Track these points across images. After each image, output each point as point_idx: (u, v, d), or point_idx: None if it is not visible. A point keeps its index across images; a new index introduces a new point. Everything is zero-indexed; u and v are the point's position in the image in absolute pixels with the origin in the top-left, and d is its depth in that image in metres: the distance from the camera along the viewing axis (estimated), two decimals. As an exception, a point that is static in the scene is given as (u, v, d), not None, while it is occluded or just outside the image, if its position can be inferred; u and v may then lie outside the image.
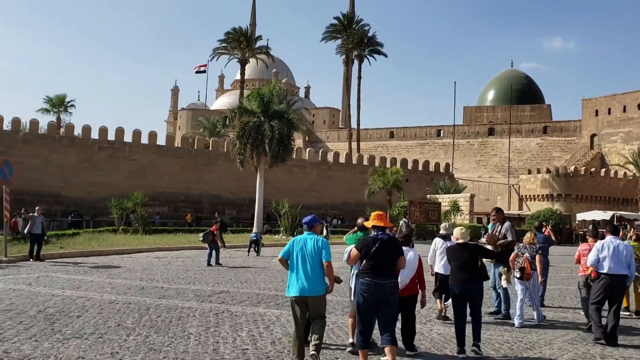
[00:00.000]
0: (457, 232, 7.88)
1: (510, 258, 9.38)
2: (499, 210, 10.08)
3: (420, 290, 7.52)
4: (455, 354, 7.06)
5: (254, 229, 23.06)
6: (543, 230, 11.53)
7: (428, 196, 43.35)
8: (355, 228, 7.89)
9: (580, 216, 41.42)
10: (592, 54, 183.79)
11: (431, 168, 56.29)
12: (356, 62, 62.78)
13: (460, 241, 7.67)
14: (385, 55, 62.33)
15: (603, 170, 56.82)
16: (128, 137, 42.60)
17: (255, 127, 34.36)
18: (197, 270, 15.77)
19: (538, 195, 56.76)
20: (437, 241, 9.57)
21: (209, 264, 17.00)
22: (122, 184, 39.12)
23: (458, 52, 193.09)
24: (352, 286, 6.79)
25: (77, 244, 22.26)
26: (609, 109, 65.62)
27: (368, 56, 61.92)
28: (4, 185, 18.20)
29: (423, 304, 7.62)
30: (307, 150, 51.92)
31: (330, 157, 52.37)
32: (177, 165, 43.07)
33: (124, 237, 27.69)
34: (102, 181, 39.48)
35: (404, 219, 29.47)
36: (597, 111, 66.99)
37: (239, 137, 34.89)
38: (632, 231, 14.31)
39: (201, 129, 66.81)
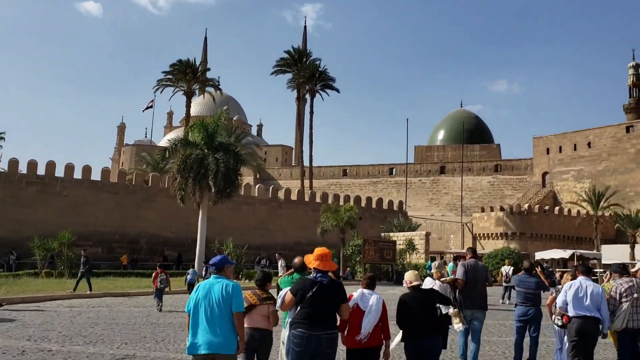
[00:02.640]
0: (409, 274, 6.57)
1: (548, 302, 8.47)
2: (473, 251, 9.38)
3: (384, 341, 6.12)
4: None
5: (190, 270, 20.35)
6: (534, 273, 9.42)
7: (382, 234, 41.53)
8: (292, 269, 6.92)
9: (538, 255, 40.18)
10: (537, 95, 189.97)
11: (384, 206, 54.77)
12: (308, 98, 61.35)
13: (415, 284, 6.47)
14: (338, 91, 61.22)
15: (557, 208, 56.51)
16: (60, 172, 39.16)
17: (198, 160, 31.81)
18: (109, 324, 12.89)
19: (492, 234, 55.79)
20: (428, 281, 9.02)
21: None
22: (52, 221, 35.52)
23: (409, 91, 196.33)
24: (284, 338, 5.84)
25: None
26: (560, 147, 66.10)
27: (320, 91, 60.59)
28: None
29: (387, 357, 6.12)
30: (257, 186, 49.40)
31: (281, 194, 50.01)
32: (113, 201, 39.70)
33: (44, 281, 24.46)
34: (29, 219, 35.79)
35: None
36: (548, 149, 67.42)
37: (180, 170, 32.19)
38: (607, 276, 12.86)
39: (144, 165, 63.43)
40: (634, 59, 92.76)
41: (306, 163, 62.54)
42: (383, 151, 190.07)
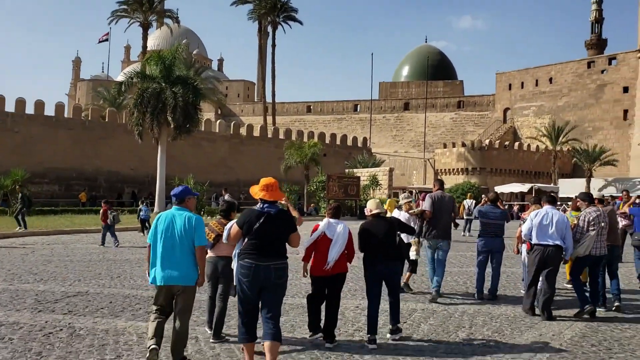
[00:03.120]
0: (371, 203, 6.62)
1: (517, 234, 8.90)
2: (441, 183, 9.19)
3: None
4: (366, 343, 6.06)
5: (142, 207, 19.82)
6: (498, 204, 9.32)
7: (346, 171, 41.46)
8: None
9: (498, 189, 40.91)
10: (500, 31, 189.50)
11: (349, 142, 54.62)
12: (270, 32, 59.43)
13: (375, 212, 6.49)
14: (301, 23, 59.51)
15: (517, 143, 57.31)
16: (10, 107, 37.36)
17: (156, 94, 30.65)
18: (62, 262, 12.45)
19: (453, 169, 56.49)
20: (397, 212, 9.23)
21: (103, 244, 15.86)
22: (4, 159, 34.14)
23: (374, 26, 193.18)
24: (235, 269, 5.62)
25: None
26: (522, 83, 66.44)
27: (282, 23, 58.78)
28: None
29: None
30: (218, 122, 48.36)
31: (243, 130, 49.17)
32: (69, 138, 38.30)
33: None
34: (-22, 157, 34.30)
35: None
36: (510, 85, 67.72)
37: (137, 105, 31.03)
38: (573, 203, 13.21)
39: (101, 101, 61.14)
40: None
41: (269, 99, 61.35)
42: (347, 87, 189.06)
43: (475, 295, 8.79)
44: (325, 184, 34.44)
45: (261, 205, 5.24)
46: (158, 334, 5.12)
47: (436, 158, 59.28)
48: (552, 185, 45.57)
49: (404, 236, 8.60)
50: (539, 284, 7.70)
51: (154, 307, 5.27)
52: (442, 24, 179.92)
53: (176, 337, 5.16)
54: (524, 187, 37.21)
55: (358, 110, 78.71)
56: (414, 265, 9.32)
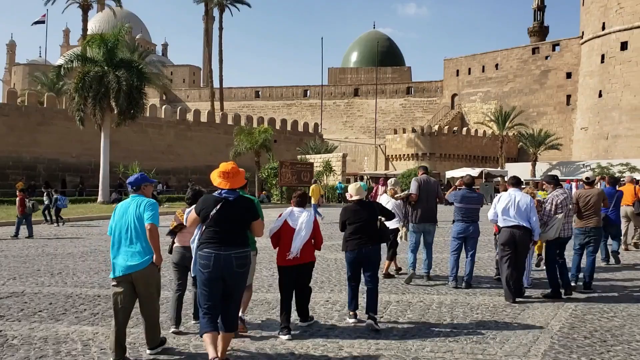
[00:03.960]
0: (352, 188, 6.58)
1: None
2: (425, 168, 9.57)
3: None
4: (347, 319, 6.32)
5: (58, 196, 18.71)
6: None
7: (299, 157, 40.80)
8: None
9: (449, 174, 41.26)
10: (445, 18, 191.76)
11: (300, 128, 53.87)
12: (217, 15, 57.84)
13: (355, 198, 6.48)
14: (249, 5, 58.12)
15: (465, 129, 58.07)
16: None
17: (98, 77, 29.07)
18: (-4, 258, 11.32)
19: (404, 155, 56.76)
20: (384, 197, 9.37)
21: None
22: None
23: (323, 11, 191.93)
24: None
25: None
26: (469, 69, 67.29)
27: (229, 5, 57.17)
28: None
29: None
30: (163, 108, 46.62)
31: (190, 116, 47.63)
32: (3, 124, 35.99)
33: None
34: None
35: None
36: (457, 71, 68.48)
37: (78, 89, 29.33)
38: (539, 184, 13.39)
39: (39, 86, 58.02)
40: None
41: (216, 84, 59.86)
42: (297, 73, 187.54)
43: (449, 282, 8.41)
44: (277, 171, 33.69)
45: (219, 191, 4.98)
46: (120, 346, 4.91)
47: (387, 144, 59.39)
48: (499, 169, 46.32)
49: (393, 222, 8.44)
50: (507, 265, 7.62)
51: (113, 321, 4.99)
52: (389, 11, 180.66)
53: (147, 324, 5.12)
54: (474, 172, 37.52)
55: (308, 95, 78.04)
56: (393, 251, 9.25)
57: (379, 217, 6.51)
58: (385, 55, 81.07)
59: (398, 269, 9.51)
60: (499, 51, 65.27)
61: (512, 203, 7.54)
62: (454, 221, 8.69)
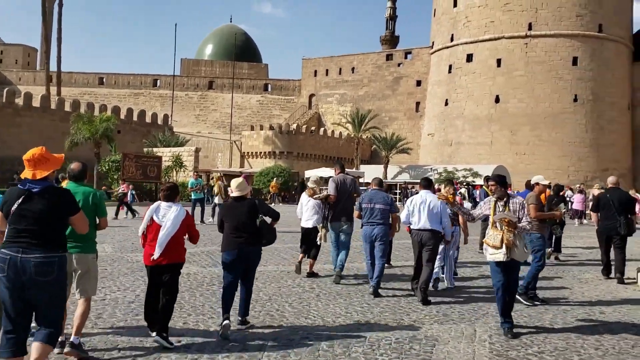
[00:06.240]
0: (234, 183, 6.30)
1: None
2: (342, 167, 9.63)
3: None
4: (219, 326, 5.72)
5: None
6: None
7: (145, 150, 37.37)
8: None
9: (308, 173, 40.36)
10: (302, 20, 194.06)
11: (147, 119, 49.97)
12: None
13: (236, 194, 6.19)
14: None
15: (322, 129, 58.05)
16: None
17: None
18: None
19: (260, 152, 55.27)
20: (304, 197, 9.49)
21: None
22: None
23: (177, 2, 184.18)
24: None
25: None
26: (327, 70, 67.69)
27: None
28: None
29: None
30: (-14, 88, 40.34)
31: (19, 100, 41.81)
32: None
33: None
34: None
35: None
36: (315, 72, 68.59)
37: None
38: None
39: None
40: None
41: (54, 67, 53.53)
42: (147, 60, 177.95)
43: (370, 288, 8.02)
44: (120, 164, 30.18)
45: (24, 182, 4.29)
46: None
47: (243, 140, 57.48)
48: (354, 170, 46.54)
49: (312, 221, 8.99)
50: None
51: None
52: (245, 7, 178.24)
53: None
54: (333, 172, 37.17)
55: (158, 85, 73.57)
56: (316, 251, 9.26)
57: (262, 216, 6.10)
58: (242, 50, 79.09)
59: (312, 273, 9.28)
60: (356, 55, 66.38)
61: (423, 206, 7.58)
62: (362, 224, 8.38)
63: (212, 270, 9.48)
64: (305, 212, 9.33)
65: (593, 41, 50.15)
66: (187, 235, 5.68)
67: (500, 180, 6.44)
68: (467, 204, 13.91)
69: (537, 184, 8.44)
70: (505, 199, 6.27)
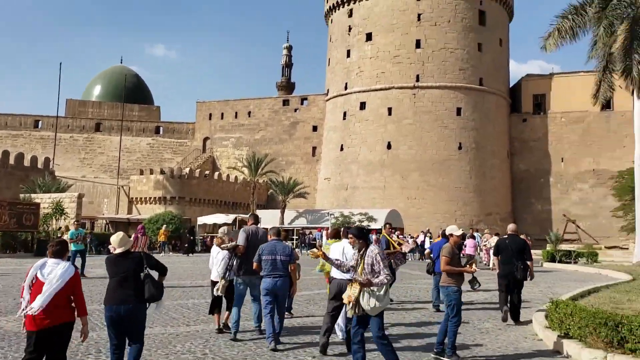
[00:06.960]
0: (114, 239, 5.82)
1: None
2: (255, 217, 9.39)
3: (81, 317, 5.29)
4: None
5: None
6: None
7: (22, 196, 34.30)
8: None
9: (200, 220, 38.87)
10: (196, 63, 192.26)
11: (26, 163, 46.36)
12: None
13: (119, 250, 5.77)
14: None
15: (217, 173, 56.78)
16: None
17: None
18: None
19: (150, 198, 52.74)
20: (214, 249, 9.15)
21: None
22: None
23: (64, 38, 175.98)
24: None
25: None
26: (222, 114, 66.92)
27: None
28: None
29: (85, 335, 5.35)
30: None
31: None
32: None
33: None
34: None
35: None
36: (210, 115, 67.59)
37: None
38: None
39: None
40: (288, 40, 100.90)
41: None
42: (27, 100, 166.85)
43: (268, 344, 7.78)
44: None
45: None
46: None
47: (131, 185, 54.64)
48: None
49: (218, 271, 8.64)
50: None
51: None
52: (135, 49, 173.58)
53: None
54: (228, 218, 35.98)
55: (40, 126, 68.86)
56: (228, 302, 8.84)
57: (147, 269, 5.76)
58: (133, 91, 76.27)
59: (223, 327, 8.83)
60: (252, 99, 66.32)
61: (341, 254, 7.59)
62: (262, 277, 8.10)
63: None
64: (216, 264, 8.98)
65: (475, 93, 53.65)
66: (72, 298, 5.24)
67: (357, 234, 6.47)
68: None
69: (451, 235, 8.27)
70: (362, 251, 6.32)
